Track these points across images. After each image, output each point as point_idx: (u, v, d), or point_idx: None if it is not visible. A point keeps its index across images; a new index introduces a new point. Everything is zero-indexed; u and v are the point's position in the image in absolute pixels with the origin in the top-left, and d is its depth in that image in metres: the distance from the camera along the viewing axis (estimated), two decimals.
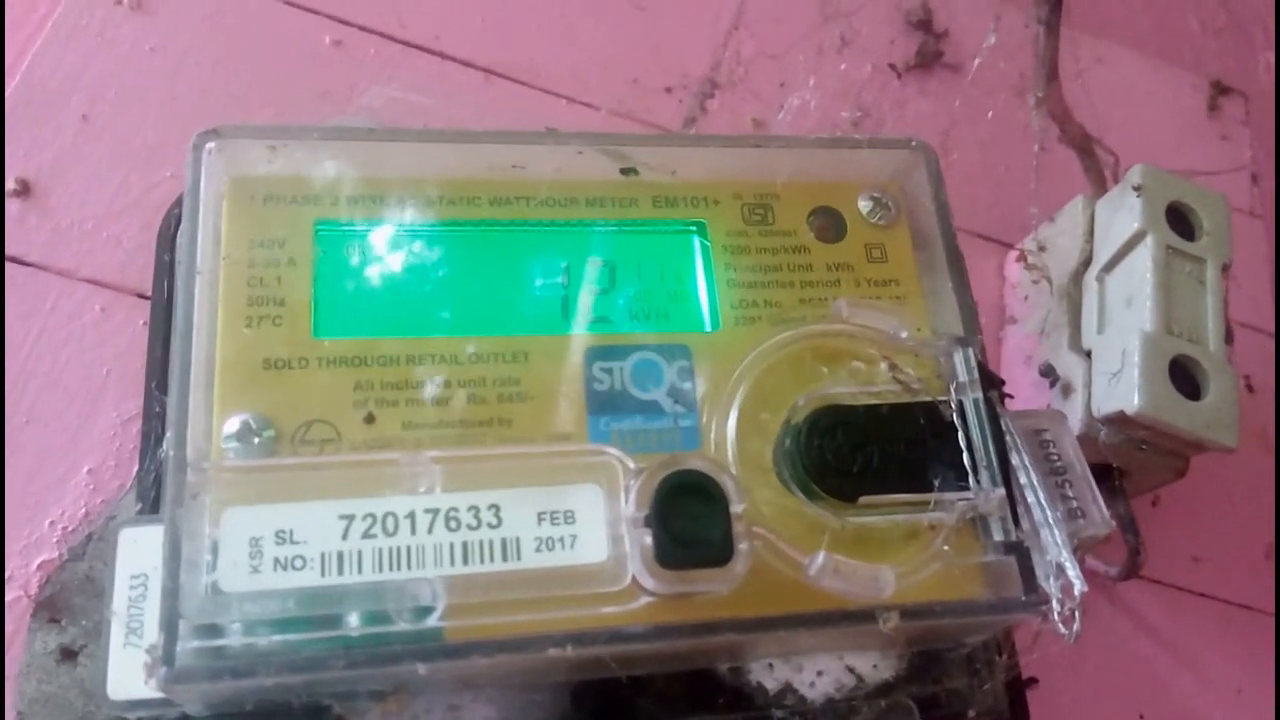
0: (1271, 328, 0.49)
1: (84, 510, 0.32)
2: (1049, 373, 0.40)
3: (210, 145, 0.25)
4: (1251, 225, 0.52)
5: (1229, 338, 0.38)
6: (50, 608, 0.30)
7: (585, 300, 0.27)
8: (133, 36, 0.38)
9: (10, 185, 0.35)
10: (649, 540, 0.23)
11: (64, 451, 0.32)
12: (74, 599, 0.30)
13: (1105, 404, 0.36)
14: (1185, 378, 0.36)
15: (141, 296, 0.34)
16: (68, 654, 0.30)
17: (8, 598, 0.30)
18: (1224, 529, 0.44)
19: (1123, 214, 0.39)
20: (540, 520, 0.23)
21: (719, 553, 0.23)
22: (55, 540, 0.31)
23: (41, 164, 0.35)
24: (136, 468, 0.32)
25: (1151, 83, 0.53)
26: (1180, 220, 0.39)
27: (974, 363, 0.27)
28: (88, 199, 0.35)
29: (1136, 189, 0.38)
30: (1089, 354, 0.39)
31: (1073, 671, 0.39)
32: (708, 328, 0.28)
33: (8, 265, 0.34)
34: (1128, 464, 0.38)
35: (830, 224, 0.29)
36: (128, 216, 0.35)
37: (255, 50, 0.39)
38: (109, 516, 0.31)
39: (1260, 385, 0.47)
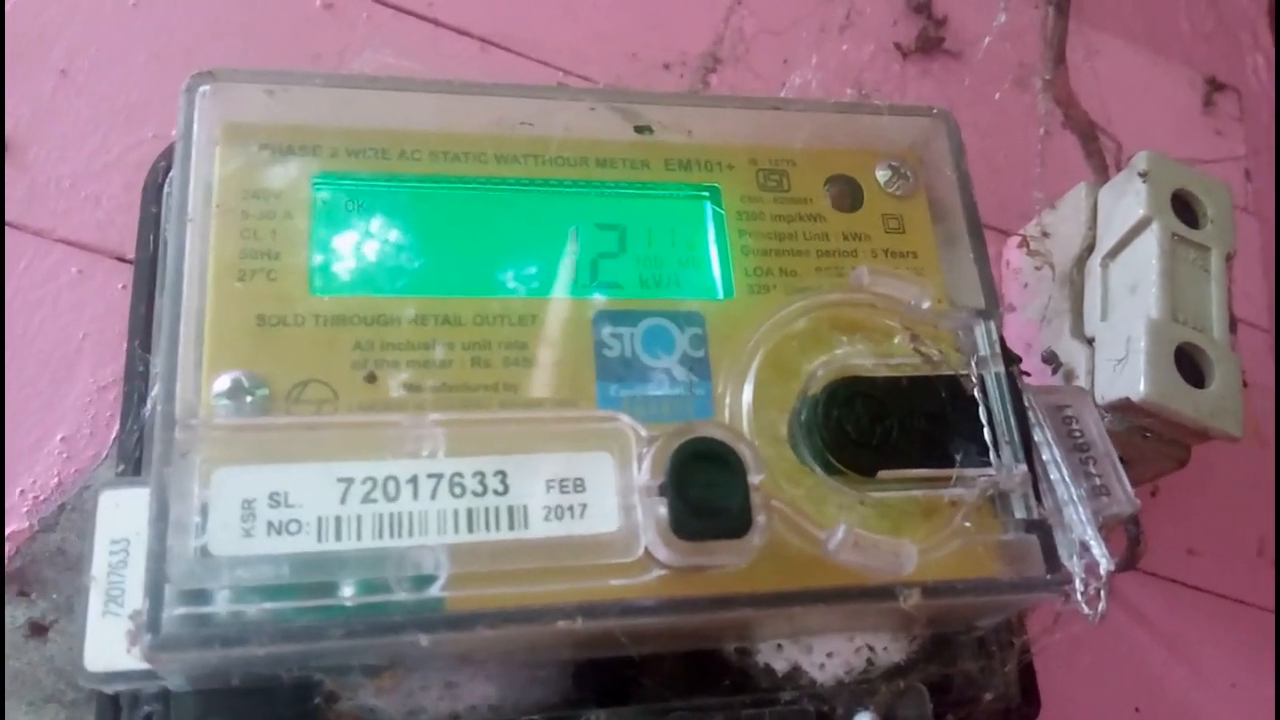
0: (1265, 323, 0.49)
1: (56, 479, 0.30)
2: (1051, 359, 0.39)
3: (205, 88, 0.24)
4: (1245, 221, 0.51)
5: (1233, 327, 0.38)
6: (20, 580, 0.29)
7: (594, 264, 0.26)
8: None
9: None
10: (664, 510, 0.22)
11: (36, 418, 0.31)
12: (45, 571, 0.29)
13: (1110, 391, 0.36)
14: (1190, 366, 0.36)
15: (120, 259, 0.33)
16: (37, 629, 0.28)
17: None
18: (1219, 523, 0.44)
19: (1127, 200, 0.38)
20: (549, 488, 0.22)
21: (737, 524, 0.22)
22: (25, 510, 0.30)
23: (18, 119, 0.34)
24: (114, 437, 0.31)
25: (1148, 77, 0.53)
26: (1185, 208, 0.38)
27: (996, 336, 0.26)
28: (66, 156, 0.34)
29: (1142, 175, 0.38)
30: (1091, 341, 0.38)
31: (1068, 663, 0.39)
32: (720, 295, 0.27)
33: None
34: (1130, 453, 0.37)
35: (847, 192, 0.28)
36: (107, 176, 0.34)
37: (243, 10, 0.38)
38: (83, 486, 0.30)
39: (1255, 381, 0.47)
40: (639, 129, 0.27)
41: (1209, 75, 0.55)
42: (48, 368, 0.31)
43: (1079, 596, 0.24)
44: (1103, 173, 0.42)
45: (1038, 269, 0.41)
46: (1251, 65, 0.60)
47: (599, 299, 0.26)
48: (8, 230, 0.32)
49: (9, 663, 0.28)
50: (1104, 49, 0.52)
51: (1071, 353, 0.39)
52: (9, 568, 0.29)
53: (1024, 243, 0.42)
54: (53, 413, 0.31)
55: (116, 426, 0.31)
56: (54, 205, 0.33)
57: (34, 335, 0.32)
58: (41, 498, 0.30)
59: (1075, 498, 0.25)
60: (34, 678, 0.28)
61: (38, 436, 0.30)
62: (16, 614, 0.29)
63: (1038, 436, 0.25)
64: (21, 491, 0.30)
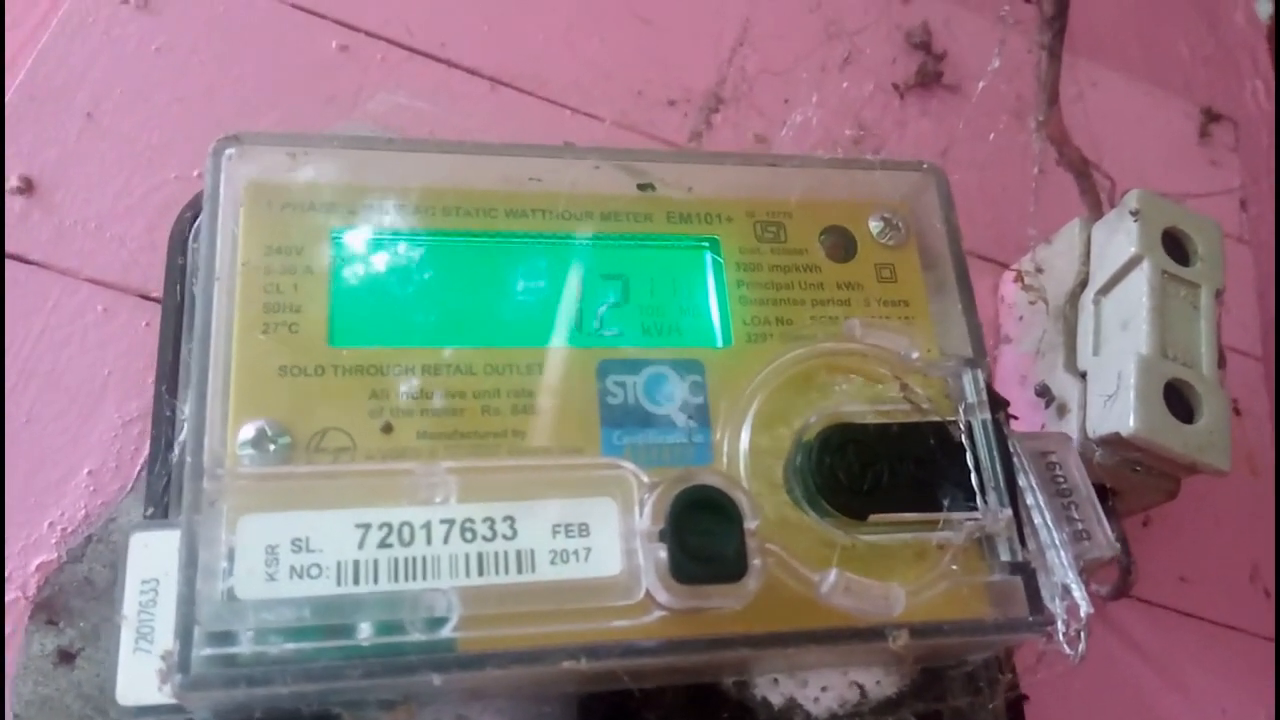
0: (1259, 352, 0.50)
1: (83, 512, 0.31)
2: (1044, 393, 0.40)
3: (230, 151, 0.25)
4: (1240, 251, 0.52)
5: (1221, 362, 0.39)
6: (48, 609, 0.30)
7: (599, 314, 0.27)
8: (139, 36, 0.38)
9: (13, 182, 0.34)
10: (664, 555, 0.23)
11: (64, 452, 0.32)
12: (72, 601, 0.30)
13: (1101, 425, 0.36)
14: (1179, 401, 0.37)
15: (144, 297, 0.34)
16: (65, 656, 0.29)
17: (6, 598, 0.30)
18: (1211, 551, 0.44)
19: (1119, 238, 0.39)
20: (555, 533, 0.24)
21: (733, 568, 0.23)
22: (54, 541, 0.31)
23: (45, 162, 0.35)
24: (139, 470, 0.32)
25: (1143, 108, 0.54)
26: (1175, 245, 0.39)
27: (983, 384, 0.27)
28: (91, 198, 0.35)
29: (1134, 214, 0.39)
30: (1084, 375, 0.39)
31: (1061, 689, 0.39)
32: (720, 343, 0.28)
33: (9, 263, 0.33)
34: (1121, 485, 0.38)
35: (841, 243, 0.30)
36: (131, 217, 0.35)
37: (261, 53, 0.39)
38: (109, 519, 0.31)
39: (1247, 410, 0.48)
40: (641, 186, 0.28)
41: (1205, 106, 0.56)
42: (75, 403, 0.32)
43: (1060, 637, 0.25)
44: (1096, 209, 0.43)
45: (1032, 303, 0.42)
46: (1251, 90, 0.61)
47: (603, 349, 0.27)
48: (37, 270, 0.34)
49: (38, 689, 0.29)
50: (1101, 81, 0.53)
51: (1064, 386, 0.40)
52: (38, 597, 0.30)
53: (1019, 277, 0.43)
54: (79, 447, 0.32)
55: (141, 460, 0.32)
56: (80, 246, 0.34)
57: (62, 371, 0.33)
58: (69, 529, 0.31)
59: (1058, 542, 0.26)
60: (62, 704, 0.29)
61: (65, 470, 0.31)
62: (46, 642, 0.30)
63: (1022, 481, 0.26)
64: (50, 524, 0.31)
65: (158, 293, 0.34)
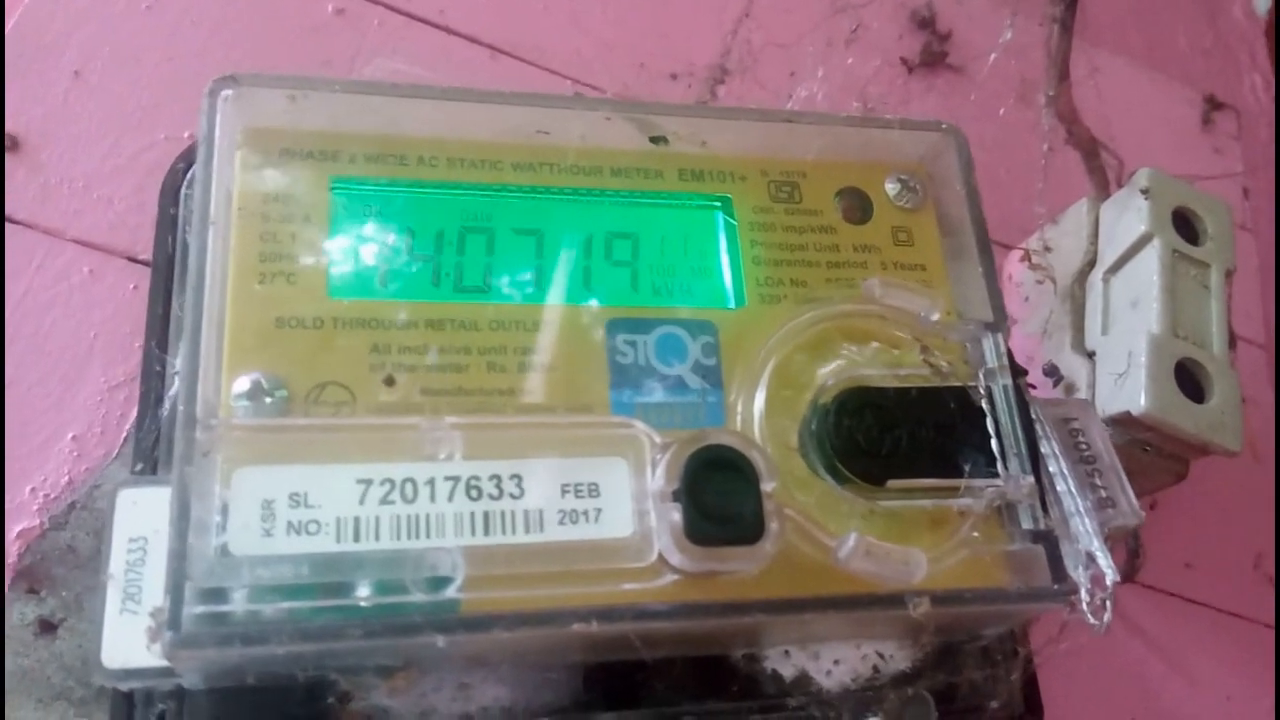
0: (1262, 339, 0.49)
1: (67, 478, 0.30)
2: (1053, 372, 0.40)
3: (227, 92, 0.24)
4: (1242, 238, 0.52)
5: (1232, 343, 0.38)
6: (29, 577, 0.29)
7: (608, 272, 0.26)
8: None
9: None
10: (678, 515, 0.22)
11: (47, 416, 0.31)
12: (54, 569, 0.29)
13: (1110, 405, 0.36)
14: (1190, 381, 0.36)
15: (131, 260, 0.33)
16: (46, 626, 0.29)
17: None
18: (1215, 538, 0.44)
19: (1129, 217, 0.39)
20: (564, 492, 0.23)
21: (750, 530, 0.22)
22: (36, 508, 0.30)
23: (31, 119, 0.34)
24: (124, 436, 0.31)
25: (1147, 94, 0.53)
26: (1185, 225, 0.39)
27: (1004, 349, 0.26)
28: (78, 157, 0.34)
29: (1144, 192, 0.38)
30: (1092, 355, 0.39)
31: (1067, 674, 0.39)
32: (732, 304, 0.27)
33: None
34: (1130, 466, 0.37)
35: (857, 205, 0.29)
36: (119, 177, 0.34)
37: (255, 15, 0.38)
38: (93, 485, 0.30)
39: (1251, 397, 0.47)
40: (654, 139, 0.27)
41: (1208, 94, 0.55)
42: (59, 367, 0.31)
43: (1085, 606, 0.24)
44: (1104, 189, 0.42)
45: (1039, 283, 0.42)
46: (1249, 84, 0.60)
47: (612, 307, 0.26)
48: (21, 230, 0.33)
49: (18, 660, 0.28)
50: (1105, 66, 0.52)
51: (1072, 366, 0.39)
52: (19, 565, 0.29)
53: (1026, 257, 0.42)
54: (64, 411, 0.31)
55: (128, 425, 0.31)
56: (66, 206, 0.33)
57: (46, 334, 0.32)
58: (52, 496, 0.30)
59: (1081, 509, 0.25)
60: (43, 675, 0.28)
61: (49, 435, 0.31)
62: (26, 611, 0.29)
63: (1044, 448, 0.26)
64: (32, 489, 0.30)
65: (146, 255, 0.33)
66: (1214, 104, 0.56)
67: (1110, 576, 0.24)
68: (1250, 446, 0.47)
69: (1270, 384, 0.49)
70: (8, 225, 0.33)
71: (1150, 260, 0.38)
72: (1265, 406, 0.48)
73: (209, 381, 0.22)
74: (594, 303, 0.26)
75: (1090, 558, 0.24)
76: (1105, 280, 0.39)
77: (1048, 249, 0.42)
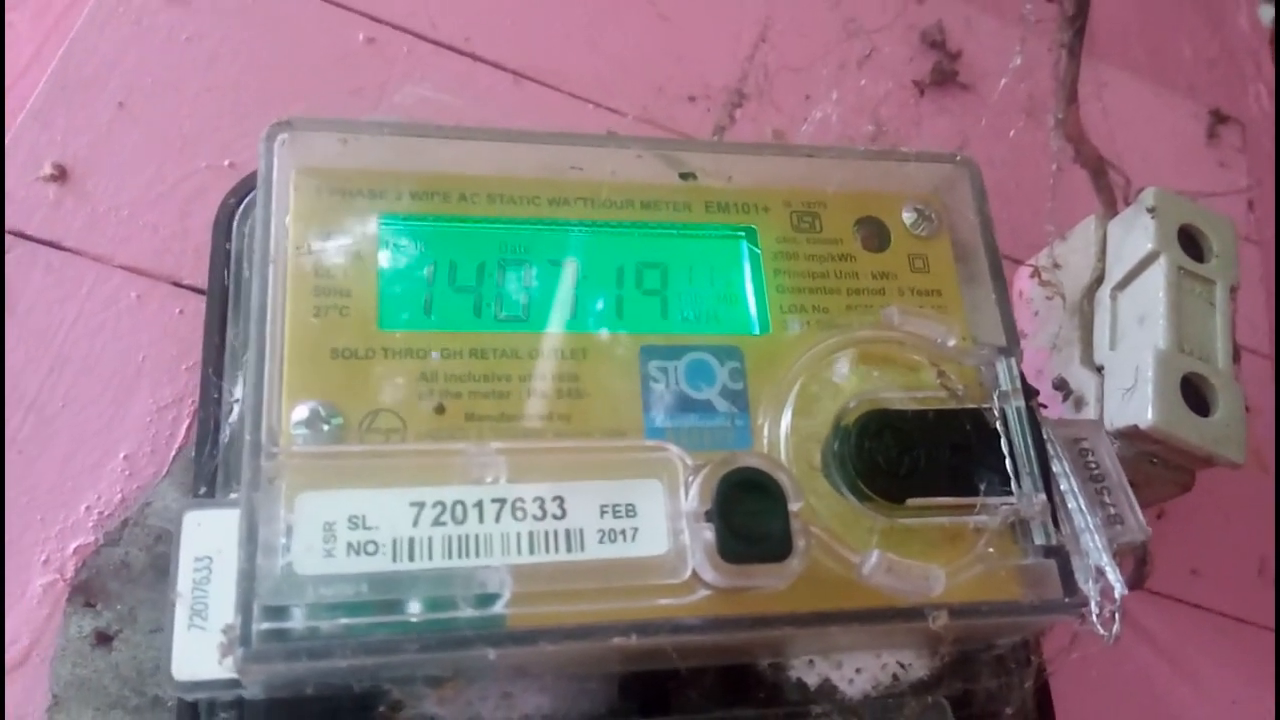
0: (1268, 350, 0.51)
1: (120, 496, 0.32)
2: (1062, 386, 0.41)
3: (283, 136, 0.26)
4: (1247, 250, 0.53)
5: (1236, 357, 0.39)
6: (85, 592, 0.30)
7: (639, 300, 0.28)
8: (169, 26, 0.38)
9: (47, 170, 0.35)
10: (710, 534, 0.24)
11: (100, 437, 0.32)
12: (109, 584, 0.30)
13: (1118, 418, 0.37)
14: (1195, 395, 0.37)
15: (176, 284, 0.34)
16: (102, 638, 0.30)
17: (43, 581, 0.30)
18: (1221, 545, 0.45)
19: (1136, 234, 0.40)
20: (603, 513, 0.24)
21: (778, 548, 0.24)
22: (91, 525, 0.31)
23: (78, 150, 0.35)
24: (173, 455, 0.32)
25: (1153, 109, 0.54)
26: (1191, 242, 0.40)
27: (1016, 372, 0.28)
28: (123, 186, 0.35)
29: (1150, 211, 0.40)
30: (1100, 369, 0.40)
31: (1077, 680, 0.40)
32: (757, 330, 0.29)
33: (45, 250, 0.34)
34: (1137, 477, 0.38)
35: (875, 233, 0.30)
36: (163, 204, 0.35)
37: (290, 44, 0.39)
38: (144, 503, 0.31)
39: (1256, 407, 0.48)
40: (683, 175, 0.29)
41: (1213, 107, 0.56)
42: (110, 389, 0.33)
43: (1094, 618, 0.25)
44: (1112, 206, 0.43)
45: (1049, 299, 0.43)
46: (1254, 94, 0.61)
47: (645, 334, 0.27)
48: (71, 257, 0.34)
49: (75, 670, 0.30)
50: (1111, 81, 0.53)
51: (1081, 380, 0.40)
52: (76, 580, 0.30)
53: (1036, 273, 0.43)
54: (115, 431, 0.32)
55: (176, 444, 0.32)
56: (114, 233, 0.35)
57: (97, 358, 0.33)
58: (106, 513, 0.31)
59: (1091, 526, 0.26)
60: (100, 684, 0.30)
61: (102, 454, 0.32)
62: (83, 624, 0.30)
63: (1056, 467, 0.27)
64: (87, 507, 0.31)
65: (190, 280, 0.34)
66: (1219, 117, 0.57)
67: (1119, 589, 0.25)
68: (1255, 455, 0.48)
69: (1275, 394, 0.50)
70: (58, 253, 0.34)
71: (1156, 277, 0.39)
72: (1270, 416, 0.49)
73: (272, 410, 0.23)
74: (627, 330, 0.27)
75: (1100, 572, 0.26)
76: (1113, 296, 0.41)
77: (1057, 265, 0.43)
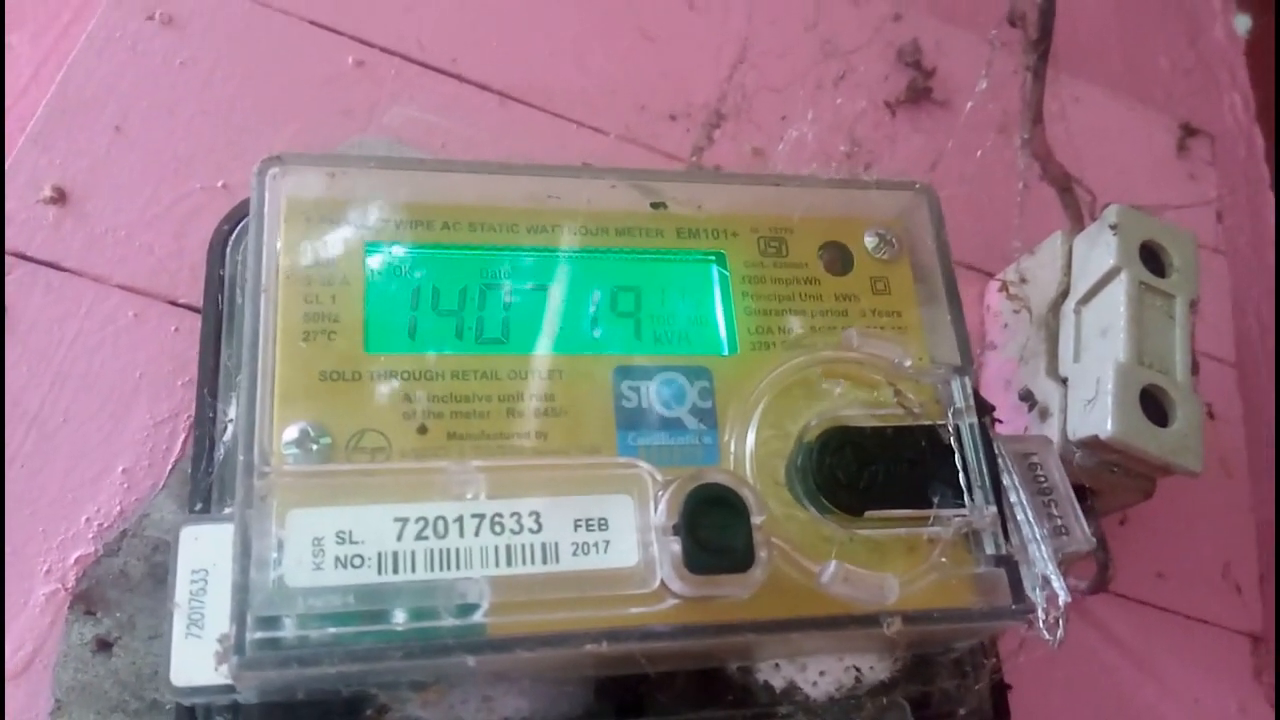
0: (1233, 359, 0.52)
1: (118, 508, 0.33)
2: (1028, 397, 0.42)
3: (274, 170, 0.27)
4: (1216, 261, 0.54)
5: (1195, 369, 0.41)
6: (86, 600, 0.31)
7: (614, 322, 0.29)
8: (163, 51, 0.39)
9: (46, 193, 0.36)
10: (678, 547, 0.25)
11: (99, 450, 0.33)
12: (109, 592, 0.32)
13: (1080, 428, 0.38)
14: (1155, 406, 0.39)
15: (172, 303, 0.36)
16: (103, 645, 0.31)
17: (45, 590, 0.31)
18: (1185, 549, 0.46)
19: (1099, 250, 0.41)
20: (576, 527, 0.25)
21: (741, 560, 0.25)
22: (91, 536, 0.32)
23: (77, 172, 0.37)
24: (170, 468, 0.33)
25: (1124, 122, 0.56)
26: (1152, 258, 0.41)
27: (970, 390, 0.29)
28: (121, 207, 0.37)
29: (1113, 228, 0.41)
30: (1065, 381, 0.41)
31: (1043, 680, 0.41)
32: (726, 351, 0.30)
33: (45, 270, 0.35)
34: (1099, 485, 0.40)
35: (839, 257, 0.32)
36: (159, 225, 0.37)
37: (281, 67, 0.41)
38: (142, 514, 0.33)
39: (1221, 414, 0.50)
40: (655, 205, 0.30)
41: (1183, 121, 0.58)
42: (108, 404, 0.34)
43: (1041, 624, 0.27)
44: (1078, 222, 0.44)
45: (1016, 312, 0.44)
46: (1229, 104, 0.63)
47: (618, 355, 0.29)
48: (71, 277, 0.35)
49: (77, 676, 0.31)
50: (1084, 96, 0.55)
51: (1046, 391, 0.41)
52: (77, 589, 0.32)
53: (1004, 287, 0.45)
54: (113, 446, 0.33)
55: (173, 459, 0.34)
56: (112, 254, 0.36)
57: (96, 374, 0.34)
58: (105, 525, 0.33)
59: (1038, 536, 0.28)
60: (100, 689, 0.31)
61: (101, 468, 0.33)
62: (84, 631, 0.31)
63: (1006, 481, 0.28)
64: (87, 519, 0.33)
65: (186, 299, 0.36)
66: (1189, 130, 0.58)
67: (1063, 597, 0.27)
68: (1221, 462, 0.49)
69: (1241, 401, 0.51)
70: (58, 273, 0.35)
71: (1118, 292, 0.40)
72: (1235, 423, 0.50)
73: (264, 432, 0.25)
74: (601, 352, 0.29)
75: (1046, 580, 0.27)
76: (1077, 310, 0.42)
77: (1024, 280, 0.45)
